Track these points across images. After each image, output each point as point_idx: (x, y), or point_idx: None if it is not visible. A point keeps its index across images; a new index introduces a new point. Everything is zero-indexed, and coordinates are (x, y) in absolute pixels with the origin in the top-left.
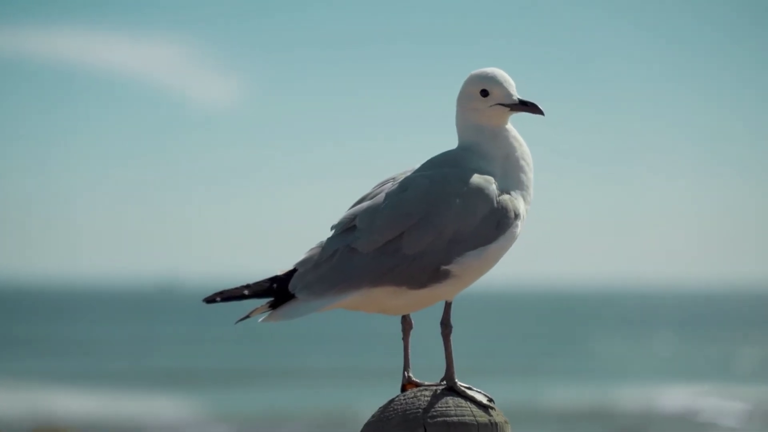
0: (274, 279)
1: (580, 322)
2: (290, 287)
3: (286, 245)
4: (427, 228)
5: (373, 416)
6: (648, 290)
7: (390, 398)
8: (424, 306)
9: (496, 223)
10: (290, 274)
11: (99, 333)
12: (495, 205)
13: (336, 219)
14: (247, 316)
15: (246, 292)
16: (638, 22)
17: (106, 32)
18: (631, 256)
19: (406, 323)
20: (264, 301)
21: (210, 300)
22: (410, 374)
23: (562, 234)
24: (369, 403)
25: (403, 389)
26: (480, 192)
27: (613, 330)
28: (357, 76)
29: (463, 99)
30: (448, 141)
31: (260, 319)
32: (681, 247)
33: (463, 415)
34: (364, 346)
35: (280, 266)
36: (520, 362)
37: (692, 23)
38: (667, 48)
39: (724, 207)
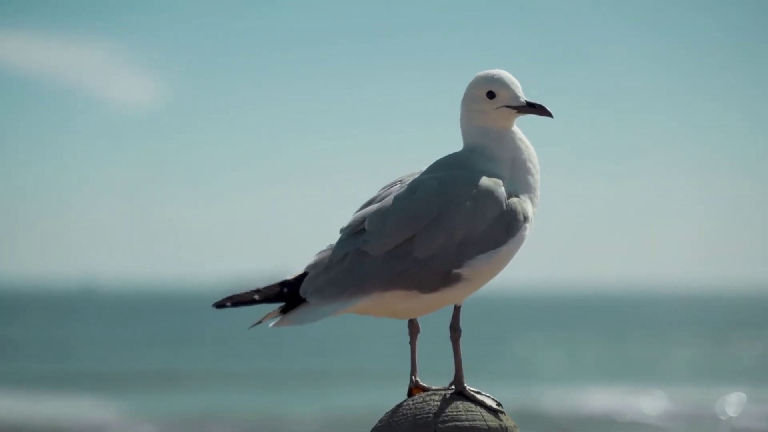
0: (285, 283)
1: (510, 325)
2: (301, 291)
3: (211, 247)
4: (438, 231)
5: (381, 421)
6: (641, 292)
7: (397, 403)
8: (434, 310)
9: (506, 226)
10: (300, 278)
11: (15, 334)
12: (504, 207)
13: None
14: (260, 322)
15: (256, 296)
16: (644, 20)
17: (28, 32)
18: (627, 257)
19: (413, 327)
20: (276, 306)
21: (220, 305)
22: (417, 378)
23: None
24: (301, 408)
25: (410, 393)
26: (489, 194)
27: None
28: (286, 77)
29: (468, 101)
30: (409, 140)
31: (271, 324)
32: (678, 248)
33: (474, 420)
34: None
35: (205, 268)
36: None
37: (699, 22)
38: (672, 45)
39: (723, 207)
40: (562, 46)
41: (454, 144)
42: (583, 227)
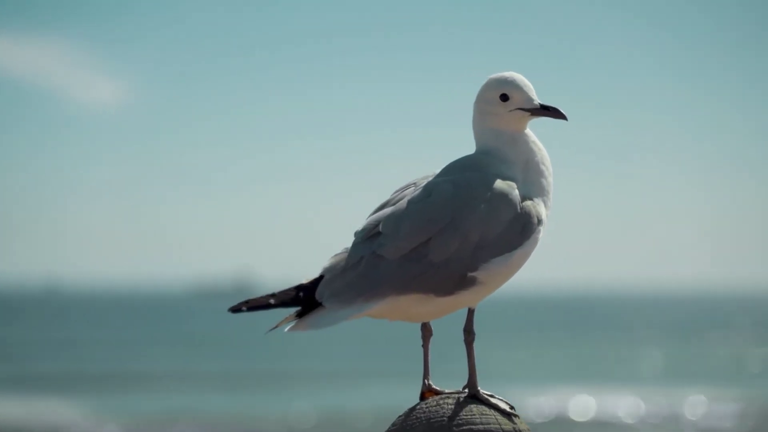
0: (300, 287)
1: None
2: (317, 295)
3: (176, 248)
4: (453, 234)
5: (394, 424)
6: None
7: (410, 406)
8: (449, 313)
9: (521, 229)
10: (316, 282)
11: None
12: (519, 210)
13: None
14: (277, 326)
15: (272, 301)
16: (646, 17)
17: None
18: (625, 257)
19: (426, 330)
20: (292, 310)
21: (236, 309)
22: (430, 382)
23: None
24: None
25: (423, 397)
26: (504, 197)
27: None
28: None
29: (481, 103)
30: (387, 140)
31: (287, 329)
32: (673, 248)
33: (489, 423)
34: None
35: (170, 269)
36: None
37: (702, 20)
38: (674, 43)
39: (722, 206)
40: (564, 44)
41: (447, 145)
42: (581, 226)
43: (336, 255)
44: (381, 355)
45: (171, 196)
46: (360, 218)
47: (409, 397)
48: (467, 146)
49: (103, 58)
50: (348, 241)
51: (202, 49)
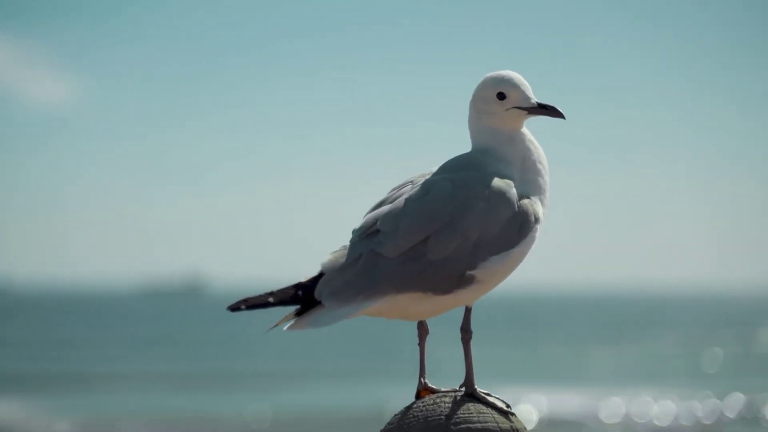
0: (299, 286)
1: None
2: (316, 294)
3: (124, 248)
4: (452, 232)
5: (390, 423)
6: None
7: (407, 405)
8: (446, 311)
9: (518, 228)
10: (315, 280)
11: None
12: (516, 209)
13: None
14: (277, 325)
15: (271, 299)
16: (647, 15)
17: None
18: (625, 256)
19: (423, 329)
20: (292, 309)
21: (234, 308)
22: (426, 380)
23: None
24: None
25: (418, 395)
26: (502, 196)
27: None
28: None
29: (478, 102)
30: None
31: (285, 327)
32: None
33: (486, 422)
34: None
35: (118, 268)
36: None
37: (703, 17)
38: (675, 41)
39: (723, 206)
40: (563, 41)
41: (412, 144)
42: (578, 225)
43: (334, 252)
44: (344, 356)
45: (124, 196)
46: (313, 221)
47: (388, 397)
48: (457, 143)
49: (54, 58)
50: (290, 245)
51: (141, 47)
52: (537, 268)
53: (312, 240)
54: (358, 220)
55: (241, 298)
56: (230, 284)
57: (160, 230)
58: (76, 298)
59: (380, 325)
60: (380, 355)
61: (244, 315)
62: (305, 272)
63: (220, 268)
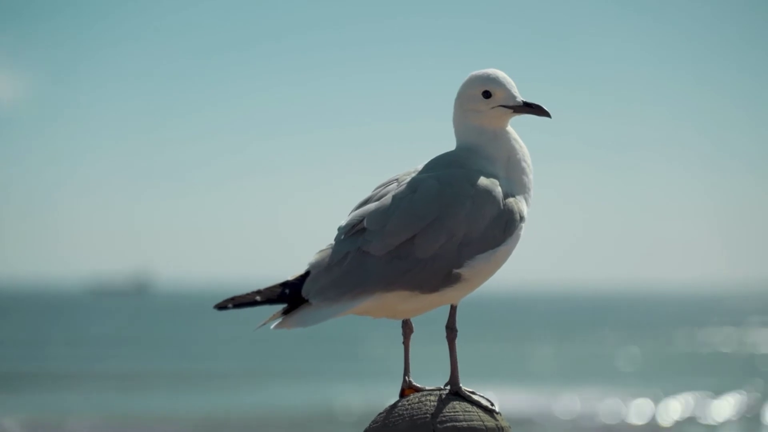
0: (286, 284)
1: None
2: (303, 292)
3: (72, 246)
4: (440, 231)
5: (374, 422)
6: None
7: (391, 403)
8: (431, 309)
9: (504, 226)
10: (302, 278)
11: None
12: (502, 207)
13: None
14: (264, 323)
15: (258, 298)
16: (648, 11)
17: None
18: (624, 255)
19: (407, 327)
20: (279, 307)
21: (221, 306)
22: (410, 379)
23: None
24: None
25: (402, 394)
26: (488, 194)
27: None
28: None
29: (463, 100)
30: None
31: (273, 326)
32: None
33: (472, 420)
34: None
35: (66, 267)
36: None
37: (705, 15)
38: (676, 39)
39: (724, 205)
40: (558, 36)
41: (343, 139)
42: (576, 224)
43: (321, 251)
44: (303, 356)
45: (73, 194)
46: (261, 221)
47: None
48: (443, 141)
49: (20, 53)
50: (238, 244)
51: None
52: (536, 269)
53: (289, 238)
54: (341, 217)
55: (228, 297)
56: (179, 283)
57: (106, 228)
58: (24, 296)
59: (351, 324)
60: (335, 356)
61: (193, 314)
62: (270, 269)
63: (169, 267)
